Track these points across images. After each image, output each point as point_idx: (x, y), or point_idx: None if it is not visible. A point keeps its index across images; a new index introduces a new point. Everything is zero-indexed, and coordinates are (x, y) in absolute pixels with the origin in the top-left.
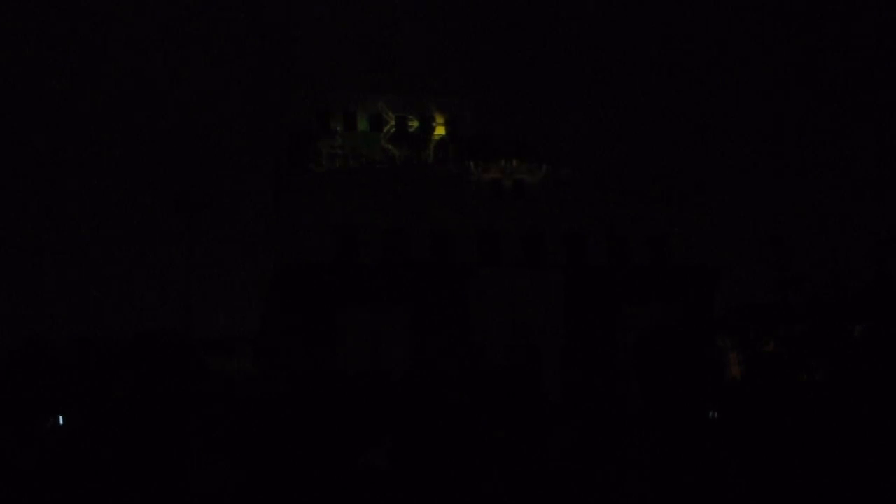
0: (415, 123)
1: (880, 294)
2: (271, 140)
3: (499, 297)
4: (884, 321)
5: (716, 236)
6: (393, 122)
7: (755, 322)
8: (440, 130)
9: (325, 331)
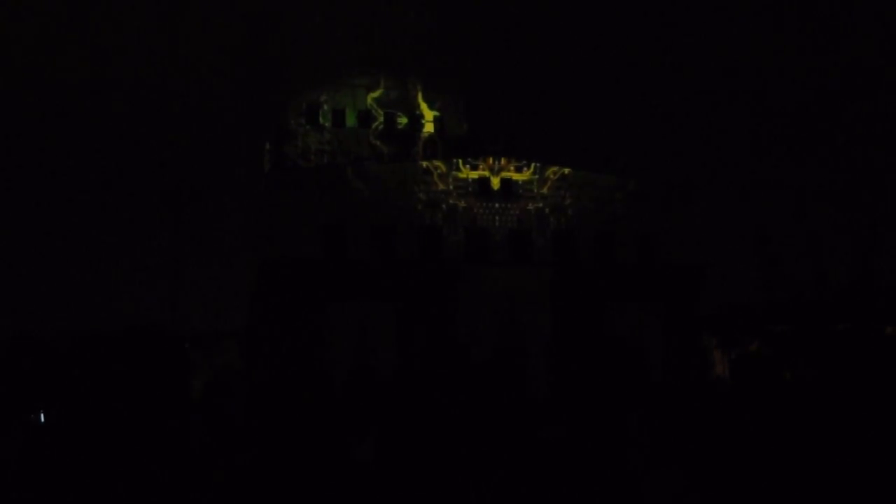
0: (403, 120)
1: (864, 293)
2: (259, 135)
3: (486, 294)
4: (867, 320)
5: (702, 235)
6: (381, 119)
7: (740, 321)
8: (429, 128)
9: (312, 326)
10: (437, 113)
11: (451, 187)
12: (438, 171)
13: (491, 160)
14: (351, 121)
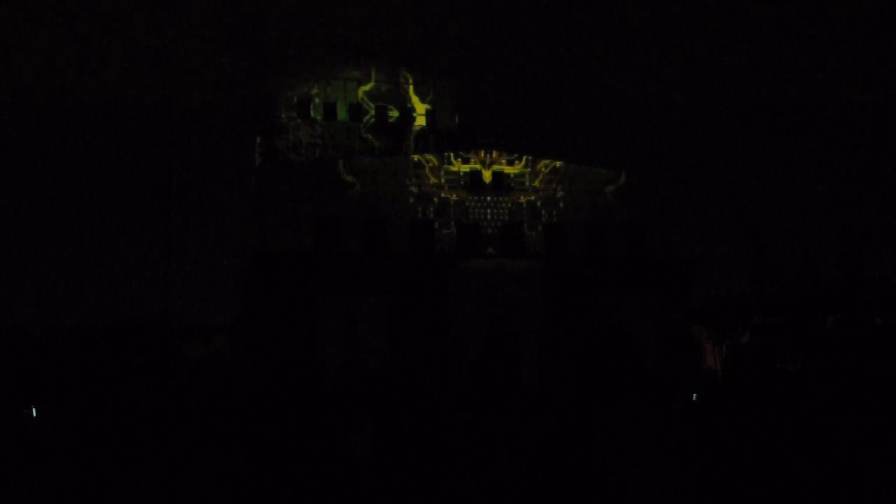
0: (395, 114)
1: (853, 285)
2: (250, 128)
3: (478, 286)
4: (856, 312)
5: (693, 228)
6: (373, 113)
7: (730, 313)
8: (420, 121)
9: (303, 320)
10: (428, 106)
11: (442, 181)
12: (430, 164)
13: (482, 153)
14: (342, 114)
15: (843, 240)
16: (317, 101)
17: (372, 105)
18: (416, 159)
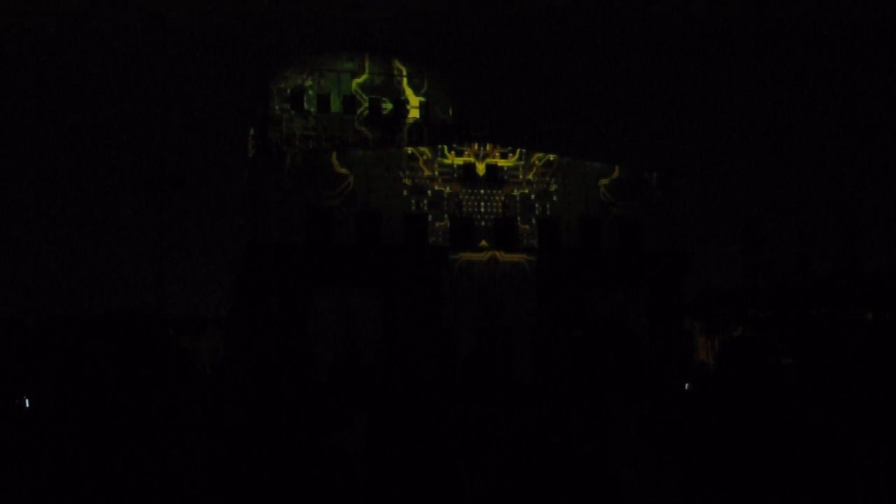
0: (388, 106)
1: (846, 279)
2: (244, 119)
3: (471, 279)
4: (849, 306)
5: (687, 221)
6: (366, 105)
7: (724, 306)
8: (414, 113)
9: (297, 311)
10: (422, 98)
11: (436, 173)
12: (424, 156)
13: (476, 146)
14: (336, 106)
15: (838, 234)
16: (310, 92)
17: (366, 97)
18: (409, 152)
